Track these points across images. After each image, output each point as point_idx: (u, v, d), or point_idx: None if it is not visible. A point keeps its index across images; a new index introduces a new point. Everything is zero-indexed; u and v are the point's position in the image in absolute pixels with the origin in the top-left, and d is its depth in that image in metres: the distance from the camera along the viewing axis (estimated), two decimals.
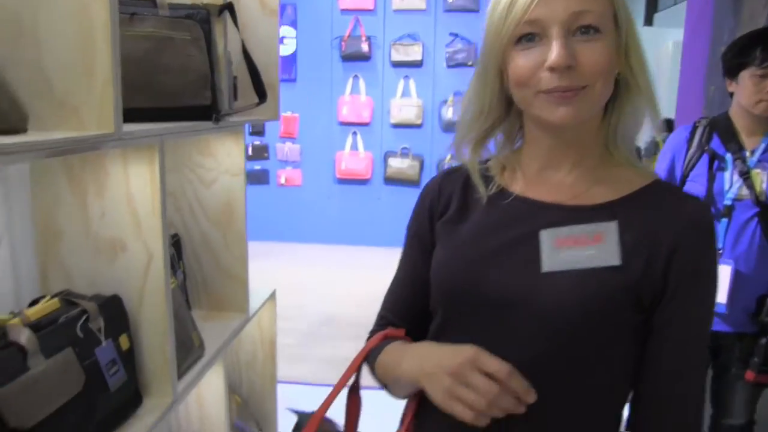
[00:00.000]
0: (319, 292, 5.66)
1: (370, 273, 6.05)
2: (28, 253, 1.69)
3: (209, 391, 2.18)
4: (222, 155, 2.34)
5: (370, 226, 8.01)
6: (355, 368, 1.10)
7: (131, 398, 1.65)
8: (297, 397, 3.52)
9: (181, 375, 1.85)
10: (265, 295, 2.67)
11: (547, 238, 0.97)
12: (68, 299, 1.53)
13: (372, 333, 1.17)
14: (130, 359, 1.62)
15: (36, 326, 1.37)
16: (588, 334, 0.97)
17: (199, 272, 2.46)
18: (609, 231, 0.95)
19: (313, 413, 1.13)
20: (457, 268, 1.03)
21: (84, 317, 1.49)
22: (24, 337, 1.32)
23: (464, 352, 0.89)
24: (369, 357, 1.11)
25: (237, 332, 2.30)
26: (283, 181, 8.16)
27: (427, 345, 1.00)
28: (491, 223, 1.04)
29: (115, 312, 1.60)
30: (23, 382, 1.27)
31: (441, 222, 1.09)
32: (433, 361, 0.91)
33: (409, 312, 1.15)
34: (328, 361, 3.73)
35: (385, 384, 1.10)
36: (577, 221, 0.99)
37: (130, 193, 1.63)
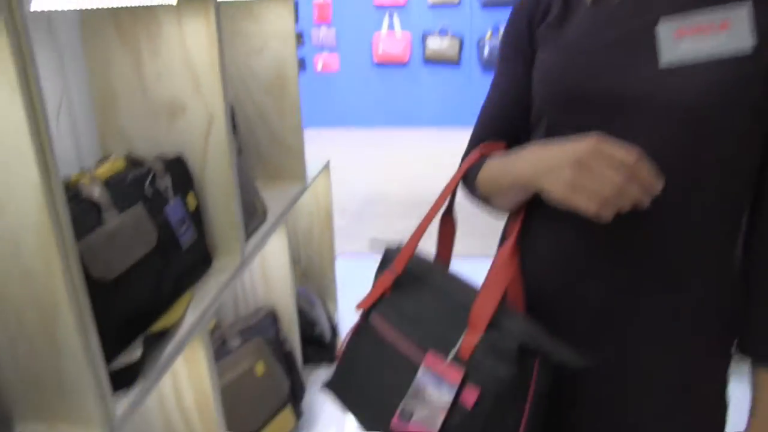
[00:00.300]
0: (364, 174, 5.65)
1: (412, 153, 6.02)
2: (88, 118, 1.68)
3: (273, 255, 2.20)
4: (269, 19, 2.26)
5: (411, 107, 7.90)
6: (451, 189, 1.07)
7: (202, 258, 1.66)
8: (354, 270, 3.60)
9: (246, 238, 1.86)
10: (319, 165, 2.66)
11: (665, 27, 0.87)
12: (133, 159, 1.52)
13: (465, 155, 1.12)
14: (198, 219, 1.63)
15: (105, 184, 1.36)
16: (711, 133, 0.88)
17: (253, 144, 2.44)
18: (739, 15, 0.84)
19: (400, 246, 1.12)
20: (566, 68, 0.95)
21: (151, 175, 1.49)
22: (96, 192, 1.31)
23: (587, 141, 0.82)
24: (467, 176, 1.07)
25: (296, 199, 2.30)
26: (320, 67, 8.03)
27: (541, 145, 0.92)
28: (600, 19, 0.94)
29: (179, 172, 1.59)
30: (101, 235, 1.27)
31: (542, 27, 1.01)
32: (552, 156, 0.85)
33: (509, 128, 1.08)
34: (381, 238, 3.74)
35: (487, 199, 1.05)
36: (700, 5, 0.87)
37: (187, 52, 1.58)
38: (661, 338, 0.97)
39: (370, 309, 1.10)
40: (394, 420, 0.96)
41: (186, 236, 1.54)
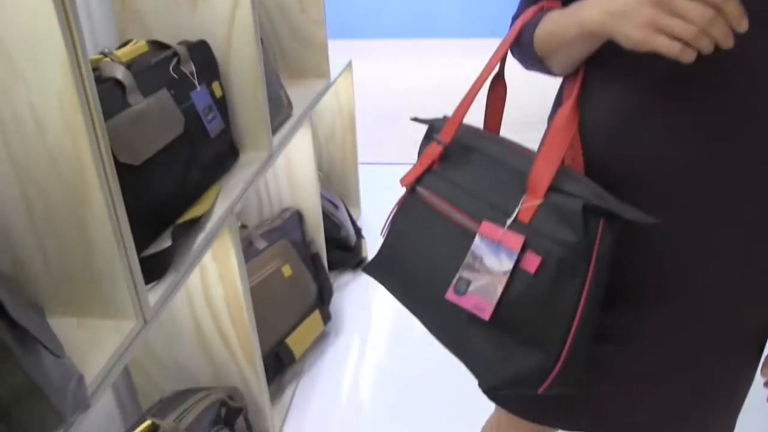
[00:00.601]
0: (386, 83, 5.49)
1: (436, 64, 5.84)
2: (103, 3, 1.57)
3: (298, 152, 2.12)
4: None
5: (433, 18, 7.65)
6: (504, 50, 0.96)
7: (230, 150, 1.59)
8: (378, 175, 3.52)
9: (274, 131, 1.78)
10: (342, 63, 2.54)
11: None
12: (156, 43, 1.42)
13: (516, 16, 1.01)
14: (224, 107, 1.54)
15: (128, 66, 1.27)
16: None
17: (275, 40, 2.32)
18: None
19: (446, 117, 1.03)
20: None
21: (175, 59, 1.40)
22: (120, 72, 1.23)
23: None
24: (520, 35, 0.96)
25: (321, 95, 2.20)
26: None
27: None
28: None
29: (204, 57, 1.49)
30: (127, 117, 1.19)
31: None
32: None
33: None
34: (406, 144, 3.63)
35: (543, 60, 0.95)
36: None
37: None
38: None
39: (415, 183, 1.03)
40: (449, 293, 0.90)
41: (213, 124, 1.46)
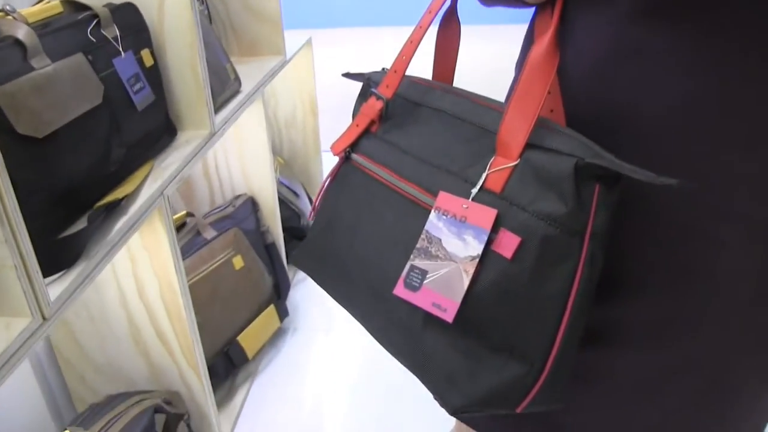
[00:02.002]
0: (338, 73, 5.32)
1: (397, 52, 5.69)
2: None
3: (250, 132, 1.95)
4: None
5: (393, 4, 7.48)
6: None
7: (164, 127, 1.42)
8: None
9: (218, 109, 1.61)
10: (301, 40, 2.37)
11: None
12: (73, 3, 1.25)
13: None
14: (156, 78, 1.37)
15: (36, 27, 1.10)
16: None
17: (226, 16, 2.15)
18: None
19: (385, 69, 0.87)
20: None
21: (95, 21, 1.22)
22: (22, 32, 1.05)
23: None
24: None
25: (275, 72, 2.03)
26: None
27: None
28: None
29: (131, 21, 1.32)
30: (28, 83, 1.02)
31: None
32: None
33: None
34: None
35: None
36: None
37: None
38: None
39: (350, 149, 0.86)
40: (399, 287, 0.71)
41: (141, 96, 1.29)
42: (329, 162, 2.89)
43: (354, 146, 0.86)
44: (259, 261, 1.96)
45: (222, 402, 1.78)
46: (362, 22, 7.32)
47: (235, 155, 2.00)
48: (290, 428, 1.77)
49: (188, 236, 1.82)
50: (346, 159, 0.87)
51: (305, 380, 1.93)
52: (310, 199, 2.53)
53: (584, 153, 0.63)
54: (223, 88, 1.65)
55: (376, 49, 5.69)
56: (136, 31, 1.33)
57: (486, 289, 0.66)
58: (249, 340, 1.87)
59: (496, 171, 0.68)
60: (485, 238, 0.66)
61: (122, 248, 1.30)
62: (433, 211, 0.71)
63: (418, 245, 0.71)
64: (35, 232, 1.03)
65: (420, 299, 0.70)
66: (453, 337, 0.69)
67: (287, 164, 2.63)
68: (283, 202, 2.30)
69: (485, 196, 0.68)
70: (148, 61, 1.35)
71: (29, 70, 1.04)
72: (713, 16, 0.62)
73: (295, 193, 2.43)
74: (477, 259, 0.66)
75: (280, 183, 2.33)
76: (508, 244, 0.65)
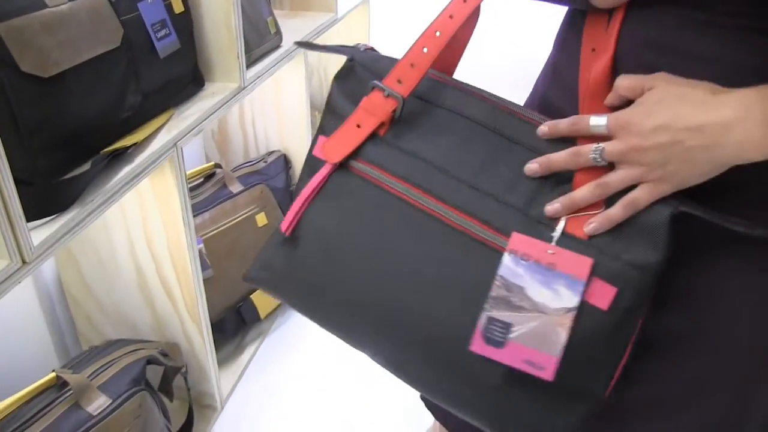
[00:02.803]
0: (408, 27, 5.19)
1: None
2: None
3: (288, 89, 1.90)
4: None
5: None
6: None
7: (190, 76, 1.38)
8: None
9: (252, 62, 1.57)
10: None
11: None
12: None
13: None
14: (185, 26, 1.33)
15: None
16: None
17: None
18: None
19: (365, 48, 0.78)
20: None
21: None
22: None
23: None
24: None
25: (323, 29, 1.97)
26: None
27: None
28: None
29: None
30: (39, 19, 0.99)
31: None
32: None
33: None
34: None
35: None
36: None
37: None
38: None
39: (351, 157, 0.73)
40: (477, 343, 0.65)
41: (165, 43, 1.25)
42: None
43: (355, 152, 0.74)
44: None
45: (227, 359, 1.77)
46: None
47: (273, 111, 1.96)
48: (292, 395, 1.75)
49: (214, 188, 1.80)
50: (339, 167, 0.74)
51: (314, 348, 1.90)
52: None
53: (675, 198, 0.62)
54: (261, 41, 1.61)
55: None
56: None
57: (580, 341, 0.63)
58: (263, 299, 1.84)
59: (579, 216, 0.65)
60: (581, 290, 0.63)
61: (133, 197, 1.28)
62: (507, 254, 0.66)
63: (493, 293, 0.66)
64: (35, 172, 1.02)
65: (507, 356, 0.65)
66: (537, 390, 0.66)
67: None
68: None
69: (569, 242, 0.65)
70: (178, 8, 1.30)
71: (42, 7, 1.01)
72: None
73: None
74: (573, 312, 0.63)
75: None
76: (602, 294, 0.63)
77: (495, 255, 0.66)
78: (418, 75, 0.71)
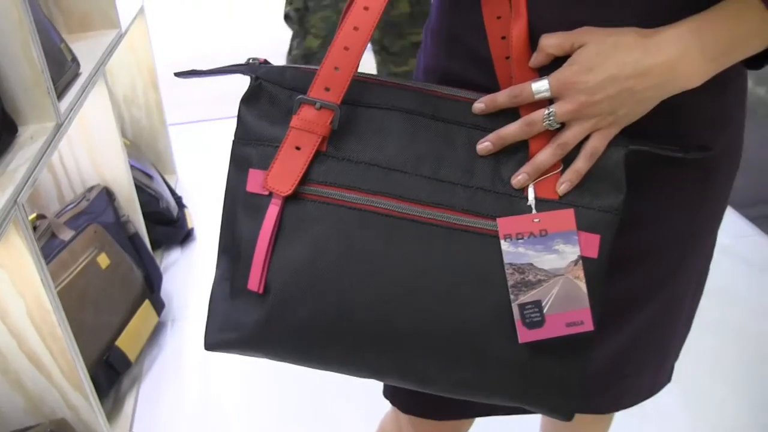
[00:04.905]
0: (184, 35, 5.03)
1: (236, 9, 5.44)
2: None
3: (95, 117, 1.75)
4: None
5: None
6: None
7: (1, 123, 1.22)
8: (191, 135, 3.13)
9: (59, 95, 1.42)
10: (133, 9, 2.16)
11: None
12: None
13: None
14: None
15: None
16: None
17: None
18: None
19: (259, 62, 0.71)
20: None
21: None
22: None
23: None
24: None
25: (113, 47, 1.84)
26: None
27: None
28: None
29: None
30: None
31: None
32: None
33: None
34: (218, 97, 3.26)
35: None
36: None
37: None
38: None
39: (301, 182, 0.67)
40: (523, 335, 0.66)
41: None
42: (177, 136, 2.71)
43: (303, 176, 0.68)
44: (125, 255, 1.80)
45: (111, 415, 1.63)
46: None
47: (81, 144, 1.80)
48: (185, 424, 1.65)
49: (43, 240, 1.63)
50: (289, 199, 0.67)
51: (195, 374, 1.80)
52: (164, 179, 2.35)
53: (618, 139, 0.67)
54: (62, 71, 1.46)
55: (212, 11, 5.37)
56: None
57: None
58: (128, 342, 1.71)
59: (544, 179, 0.67)
60: (576, 238, 0.66)
61: None
62: (502, 240, 0.66)
63: (511, 282, 0.66)
64: None
65: (552, 330, 0.67)
66: (553, 347, 0.68)
67: (134, 144, 2.43)
68: (137, 186, 2.11)
69: (544, 205, 0.67)
70: None
71: None
72: None
73: (148, 175, 2.24)
74: (581, 260, 0.66)
75: (130, 166, 2.13)
76: (590, 244, 0.67)
77: (485, 239, 0.66)
78: (346, 77, 0.67)
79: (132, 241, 1.89)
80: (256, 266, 0.68)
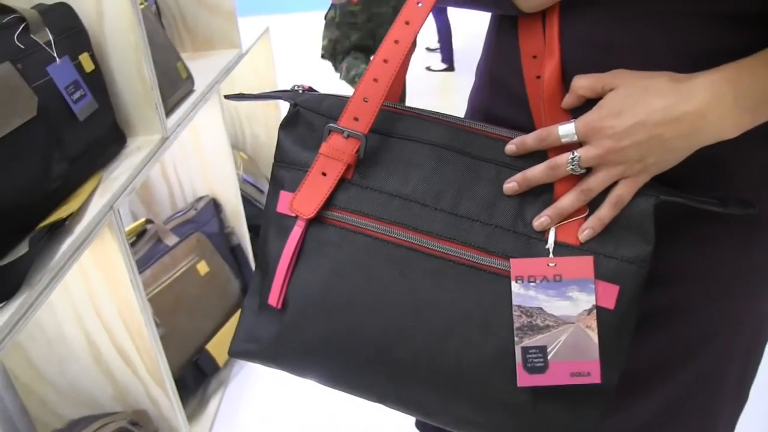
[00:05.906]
0: (309, 56, 5.22)
1: None
2: None
3: (207, 132, 1.86)
4: None
5: None
6: None
7: (111, 135, 1.33)
8: None
9: (169, 110, 1.53)
10: (258, 30, 2.28)
11: None
12: None
13: None
14: (98, 84, 1.28)
15: None
16: None
17: (177, 10, 2.05)
18: None
19: (302, 89, 0.75)
20: None
21: (22, 26, 1.13)
22: None
23: None
24: None
25: (231, 66, 1.95)
26: None
27: None
28: None
29: (65, 23, 1.23)
30: None
31: None
32: None
33: None
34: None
35: None
36: None
37: None
38: None
39: (323, 208, 0.70)
40: (522, 378, 0.65)
41: (82, 104, 1.20)
42: None
43: (327, 201, 0.70)
44: (225, 265, 1.89)
45: (194, 414, 1.72)
46: (320, 5, 7.19)
47: (194, 156, 1.92)
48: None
49: (149, 244, 1.74)
50: (312, 222, 0.70)
51: (279, 385, 1.86)
52: None
53: (655, 187, 0.64)
54: (175, 88, 1.57)
55: None
56: (72, 33, 1.24)
57: (600, 341, 0.65)
58: (219, 347, 1.80)
59: (567, 223, 0.66)
60: (593, 287, 0.64)
61: (73, 268, 1.22)
62: (514, 282, 0.66)
63: (517, 324, 0.65)
64: None
65: (554, 378, 0.65)
66: (562, 394, 0.67)
67: (251, 160, 2.55)
68: (247, 200, 2.22)
69: (563, 250, 0.66)
70: (88, 66, 1.26)
71: None
72: None
73: (260, 190, 2.35)
74: (594, 311, 0.65)
75: (243, 180, 2.25)
76: (607, 294, 0.65)
77: (497, 279, 0.66)
78: (374, 109, 0.69)
79: (233, 252, 1.98)
80: (276, 283, 0.71)
